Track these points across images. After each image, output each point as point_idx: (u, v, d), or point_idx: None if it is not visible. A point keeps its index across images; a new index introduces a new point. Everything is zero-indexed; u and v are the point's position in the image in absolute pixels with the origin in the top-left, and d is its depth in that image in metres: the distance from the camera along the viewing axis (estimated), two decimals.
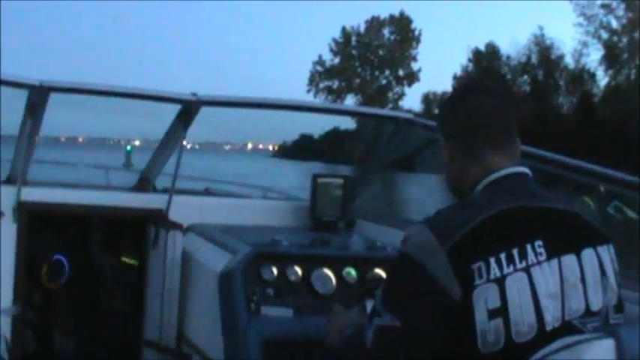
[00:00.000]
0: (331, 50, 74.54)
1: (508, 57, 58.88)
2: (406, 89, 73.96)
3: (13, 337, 3.93)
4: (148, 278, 4.12)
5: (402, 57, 73.05)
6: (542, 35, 56.42)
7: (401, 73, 73.67)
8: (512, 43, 67.00)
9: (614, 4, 50.92)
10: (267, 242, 3.51)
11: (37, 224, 4.09)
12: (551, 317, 1.79)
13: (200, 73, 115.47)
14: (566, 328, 1.81)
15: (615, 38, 51.41)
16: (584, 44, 53.05)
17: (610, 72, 51.88)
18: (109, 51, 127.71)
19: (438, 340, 1.81)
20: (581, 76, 53.70)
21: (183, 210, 4.16)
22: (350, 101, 71.53)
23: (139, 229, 4.20)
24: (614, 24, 51.38)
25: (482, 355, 1.76)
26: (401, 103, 72.47)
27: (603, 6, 51.33)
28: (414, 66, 73.61)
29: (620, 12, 50.73)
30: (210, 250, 3.69)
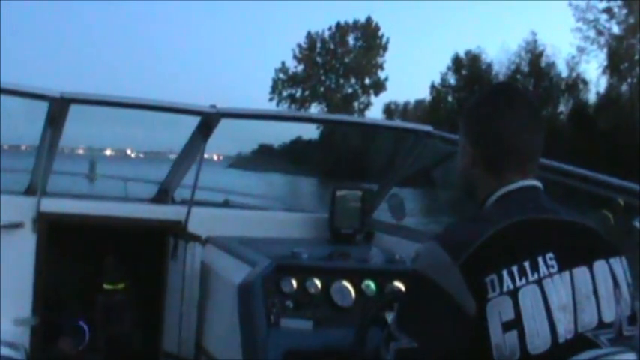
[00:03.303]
0: (295, 57, 72.17)
1: (489, 65, 56.11)
2: (373, 98, 71.76)
3: (31, 347, 3.94)
4: (167, 290, 4.13)
5: (369, 65, 70.79)
6: (535, 41, 53.79)
7: (367, 81, 71.39)
8: (503, 49, 63.44)
9: (616, 8, 48.65)
10: (286, 254, 3.52)
11: (56, 235, 4.11)
12: (564, 329, 1.77)
13: (153, 81, 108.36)
14: (581, 341, 1.79)
15: (616, 44, 49.01)
16: (582, 50, 50.58)
17: (612, 80, 49.12)
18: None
19: (457, 356, 1.79)
20: (575, 85, 51.09)
21: (202, 222, 4.17)
22: (314, 110, 68.37)
23: (158, 241, 4.21)
24: (616, 29, 49.16)
25: None
26: (367, 112, 70.24)
27: (605, 10, 49.03)
28: (381, 74, 71.50)
29: (622, 17, 48.46)
30: (229, 262, 3.70)
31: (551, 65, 52.95)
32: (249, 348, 3.13)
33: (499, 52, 72.17)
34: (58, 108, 3.80)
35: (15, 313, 3.91)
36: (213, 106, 3.99)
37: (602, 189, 3.28)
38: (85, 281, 4.70)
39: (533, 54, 53.55)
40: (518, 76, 52.68)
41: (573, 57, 51.47)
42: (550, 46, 56.58)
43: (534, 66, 53.20)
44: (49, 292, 4.17)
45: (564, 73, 52.20)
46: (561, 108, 51.41)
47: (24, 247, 3.98)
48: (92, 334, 4.59)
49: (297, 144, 45.94)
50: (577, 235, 1.93)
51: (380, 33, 70.39)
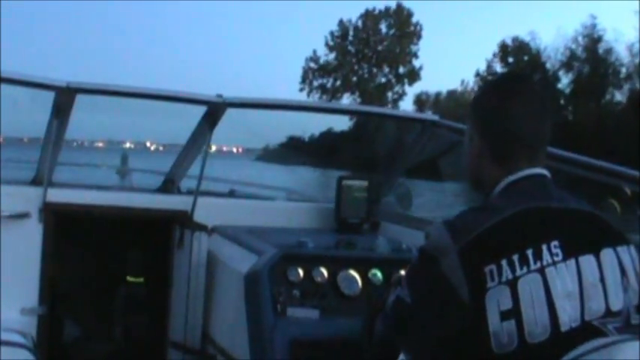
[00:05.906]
0: (327, 45, 68.57)
1: (538, 51, 51.85)
2: (408, 88, 68.41)
3: (38, 336, 3.95)
4: (173, 279, 4.13)
5: (402, 53, 67.58)
6: (594, 26, 48.17)
7: (401, 70, 68.27)
8: (559, 34, 60.11)
9: None
10: (293, 244, 3.51)
11: (63, 225, 4.11)
12: (568, 317, 1.78)
13: (182, 71, 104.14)
14: (587, 329, 1.79)
15: None
16: None
17: None
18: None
19: (442, 332, 1.85)
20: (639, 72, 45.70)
21: (208, 211, 4.16)
22: (346, 101, 65.34)
23: (164, 231, 4.22)
24: None
25: (496, 355, 1.76)
26: (401, 103, 67.19)
27: None
28: (416, 63, 68.13)
29: None
30: (235, 252, 3.69)
31: (610, 51, 48.26)
32: (255, 337, 3.13)
33: (555, 37, 67.73)
34: (64, 98, 3.80)
35: (22, 302, 3.92)
36: (220, 96, 3.98)
37: (607, 177, 3.27)
38: (92, 271, 4.72)
39: (591, 39, 49.00)
40: (575, 63, 49.26)
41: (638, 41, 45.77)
42: (611, 31, 52.53)
43: (591, 52, 48.86)
44: (55, 281, 4.18)
45: (626, 60, 47.57)
46: (620, 97, 47.32)
47: (30, 236, 3.98)
48: (109, 325, 4.61)
49: (328, 136, 45.16)
50: (584, 223, 1.94)
51: (413, 20, 67.51)
